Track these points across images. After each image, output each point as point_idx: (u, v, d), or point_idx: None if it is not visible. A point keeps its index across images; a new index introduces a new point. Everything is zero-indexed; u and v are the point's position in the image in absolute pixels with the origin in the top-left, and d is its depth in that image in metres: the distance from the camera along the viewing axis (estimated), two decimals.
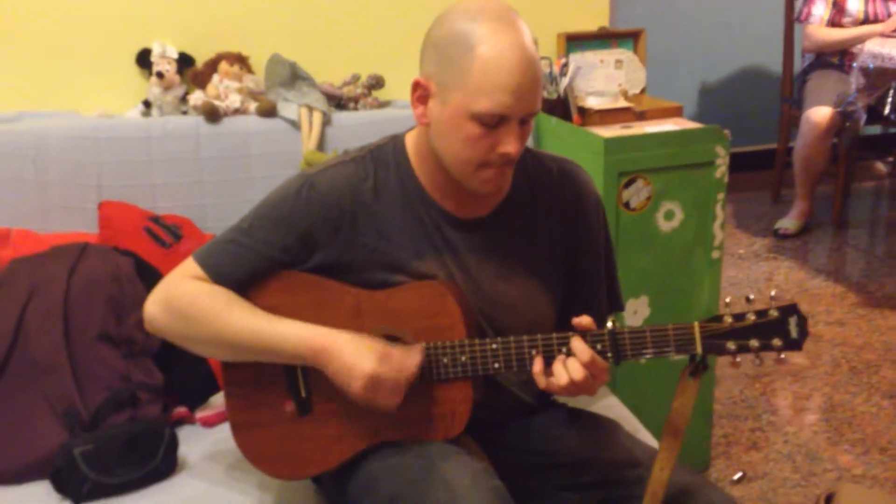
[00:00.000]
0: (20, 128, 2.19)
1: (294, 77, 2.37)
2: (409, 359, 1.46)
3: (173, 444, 1.79)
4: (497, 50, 1.40)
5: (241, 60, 2.38)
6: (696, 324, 1.43)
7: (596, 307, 1.71)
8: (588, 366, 1.43)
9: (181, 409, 1.97)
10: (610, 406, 2.07)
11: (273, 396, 1.58)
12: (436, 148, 1.51)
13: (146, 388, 1.87)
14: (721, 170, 2.35)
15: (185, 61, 2.37)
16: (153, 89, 2.33)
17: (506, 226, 1.62)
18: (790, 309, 1.41)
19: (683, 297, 2.40)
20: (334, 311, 1.54)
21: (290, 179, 1.60)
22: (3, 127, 2.19)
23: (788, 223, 4.42)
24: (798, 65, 4.54)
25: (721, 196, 2.37)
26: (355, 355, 1.45)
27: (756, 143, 5.12)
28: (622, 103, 2.52)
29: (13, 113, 2.27)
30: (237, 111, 2.33)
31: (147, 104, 2.35)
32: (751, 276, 3.97)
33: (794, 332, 1.42)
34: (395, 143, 1.61)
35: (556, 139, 2.47)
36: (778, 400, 2.99)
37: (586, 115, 2.48)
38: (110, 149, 2.21)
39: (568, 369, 1.44)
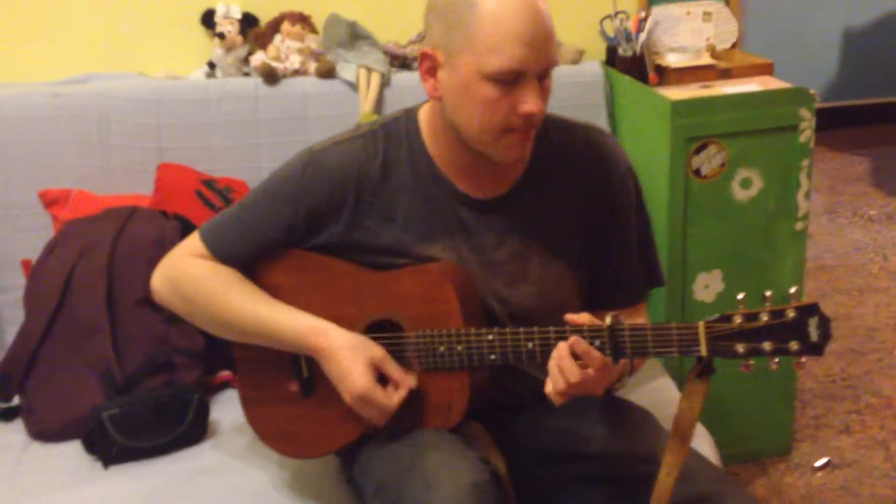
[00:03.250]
0: (85, 90, 2.23)
1: (354, 36, 2.31)
2: (404, 382, 1.44)
3: (203, 411, 1.81)
4: (502, 3, 1.31)
5: (303, 20, 2.35)
6: (702, 323, 1.31)
7: (629, 285, 1.62)
8: (583, 361, 1.34)
9: (225, 374, 1.99)
10: (661, 388, 1.95)
11: (279, 375, 1.57)
12: (452, 121, 1.43)
13: (185, 352, 1.90)
14: (806, 134, 2.15)
15: (249, 21, 2.35)
16: (216, 50, 2.33)
17: (524, 204, 1.53)
18: (810, 309, 1.28)
19: (762, 271, 2.24)
20: (334, 293, 1.51)
21: (297, 155, 1.57)
22: (69, 89, 2.24)
23: None
24: None
25: (806, 163, 2.17)
26: (350, 365, 1.43)
27: None
28: (704, 60, 2.34)
29: (82, 75, 2.32)
30: (297, 72, 2.30)
31: (211, 65, 2.35)
32: (878, 240, 3.68)
33: (814, 335, 1.28)
34: (407, 118, 1.54)
35: (627, 100, 2.32)
36: (883, 380, 2.76)
37: (664, 74, 2.32)
38: (170, 111, 2.22)
39: (563, 371, 1.35)
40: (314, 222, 1.52)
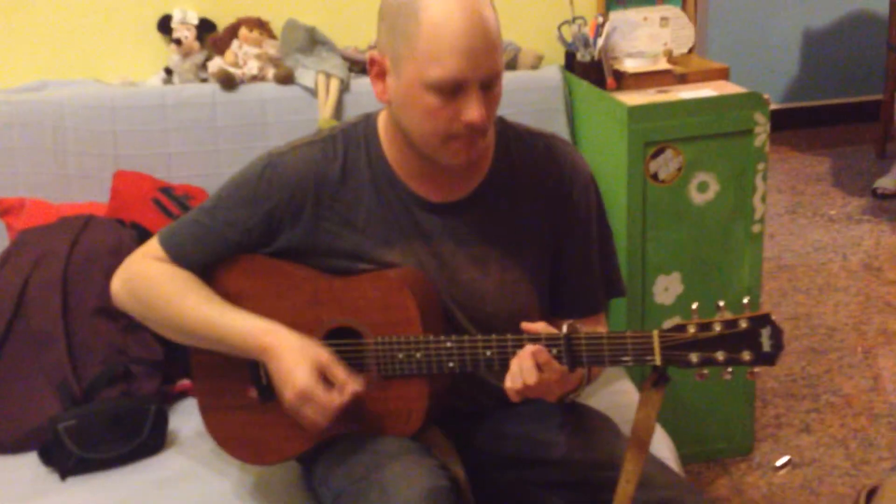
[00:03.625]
0: (39, 97, 2.21)
1: (312, 42, 2.30)
2: (348, 385, 1.40)
3: (161, 421, 1.79)
4: (442, 12, 1.31)
5: (261, 25, 2.33)
6: (656, 332, 1.32)
7: (588, 294, 1.62)
8: (541, 369, 1.35)
9: (185, 382, 1.98)
10: (621, 391, 1.96)
11: (237, 381, 1.56)
12: (400, 125, 1.44)
13: (142, 362, 1.88)
14: (761, 138, 2.17)
15: (206, 27, 2.34)
16: (173, 57, 2.31)
17: (483, 210, 1.53)
18: (762, 319, 1.30)
19: (720, 273, 2.26)
20: (292, 299, 1.51)
21: (256, 159, 1.56)
22: (24, 96, 2.22)
23: (889, 182, 4.10)
24: None
25: (762, 166, 2.19)
26: (294, 363, 1.41)
27: (858, 95, 4.78)
28: (661, 65, 2.36)
29: (37, 82, 2.29)
30: (255, 78, 2.29)
31: (168, 71, 2.33)
32: (838, 240, 3.72)
33: (766, 346, 1.30)
34: (367, 122, 1.54)
35: (586, 105, 2.33)
36: (843, 380, 2.79)
37: (622, 79, 2.33)
38: (126, 118, 2.21)
39: (522, 371, 1.36)
40: (272, 226, 1.51)
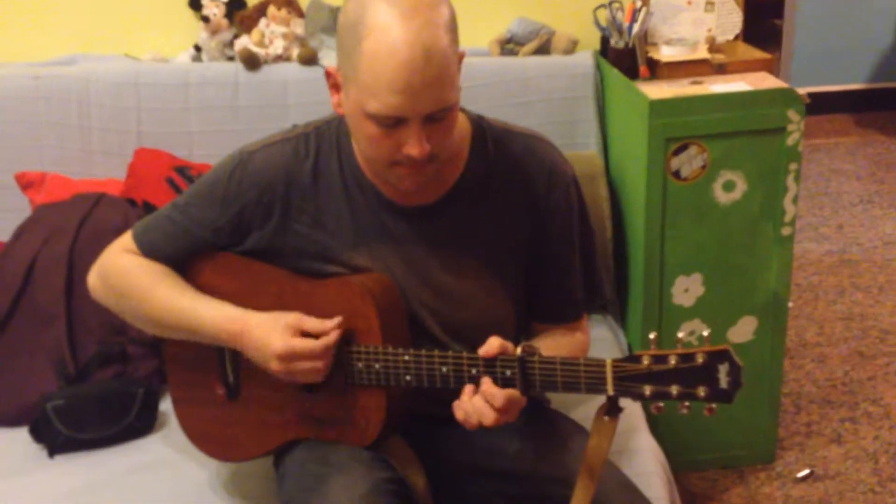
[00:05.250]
0: (65, 72, 2.24)
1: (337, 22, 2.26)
2: (327, 328, 1.39)
3: (150, 404, 1.83)
4: (383, 43, 1.25)
5: (289, 4, 2.31)
6: (609, 362, 1.26)
7: (568, 301, 1.57)
8: (500, 408, 1.31)
9: None
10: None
11: (206, 377, 1.57)
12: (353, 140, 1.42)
13: (140, 343, 1.91)
14: (794, 137, 2.05)
15: (236, 4, 2.33)
16: (201, 34, 2.31)
17: (456, 213, 1.48)
18: (720, 355, 1.22)
19: (745, 276, 2.16)
20: (258, 299, 1.50)
21: (229, 156, 1.55)
22: (52, 70, 2.25)
23: None
24: None
25: (794, 167, 2.07)
26: (265, 334, 1.40)
27: None
28: (699, 54, 2.24)
29: (67, 56, 2.33)
30: (279, 58, 2.28)
31: (198, 48, 2.34)
32: None
33: (723, 382, 1.22)
34: (340, 121, 1.51)
35: (615, 95, 2.24)
36: (887, 388, 2.66)
37: (656, 68, 2.23)
38: (150, 95, 2.22)
39: (477, 411, 1.33)
40: (242, 226, 1.50)
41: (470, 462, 1.54)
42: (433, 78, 1.27)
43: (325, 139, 1.49)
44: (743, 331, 2.19)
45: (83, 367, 1.85)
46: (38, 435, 1.77)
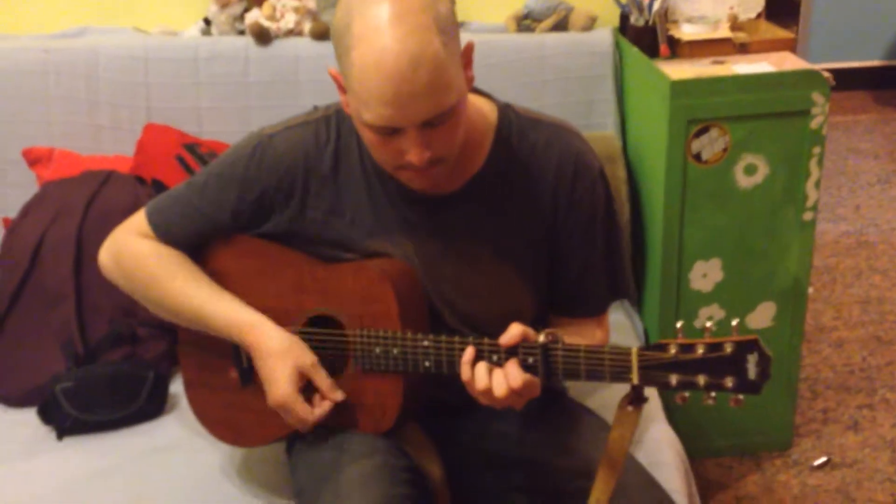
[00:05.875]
0: (74, 45, 2.20)
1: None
2: (327, 397, 1.40)
3: (160, 387, 1.80)
4: (371, 53, 1.20)
5: None
6: (635, 350, 1.22)
7: (591, 295, 1.53)
8: (516, 389, 1.28)
9: None
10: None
11: (220, 361, 1.54)
12: None
13: (150, 325, 1.88)
14: (818, 120, 2.00)
15: None
16: (211, 7, 2.27)
17: (475, 204, 1.44)
18: (749, 345, 1.17)
19: (765, 262, 2.11)
20: (276, 283, 1.47)
21: (248, 137, 1.51)
22: (61, 43, 2.21)
23: None
24: None
25: (818, 150, 2.02)
26: (276, 371, 1.40)
27: None
28: (721, 33, 2.19)
29: (76, 28, 2.28)
30: (291, 32, 2.23)
31: (207, 22, 2.29)
32: None
33: (752, 373, 1.18)
34: None
35: (635, 74, 2.19)
36: None
37: (677, 47, 2.18)
38: (159, 69, 2.18)
39: (493, 386, 1.29)
40: (261, 209, 1.47)
41: (487, 452, 1.51)
42: (424, 86, 1.21)
43: (347, 122, 1.45)
44: (762, 317, 2.15)
45: (92, 349, 1.82)
46: (47, 417, 1.75)
